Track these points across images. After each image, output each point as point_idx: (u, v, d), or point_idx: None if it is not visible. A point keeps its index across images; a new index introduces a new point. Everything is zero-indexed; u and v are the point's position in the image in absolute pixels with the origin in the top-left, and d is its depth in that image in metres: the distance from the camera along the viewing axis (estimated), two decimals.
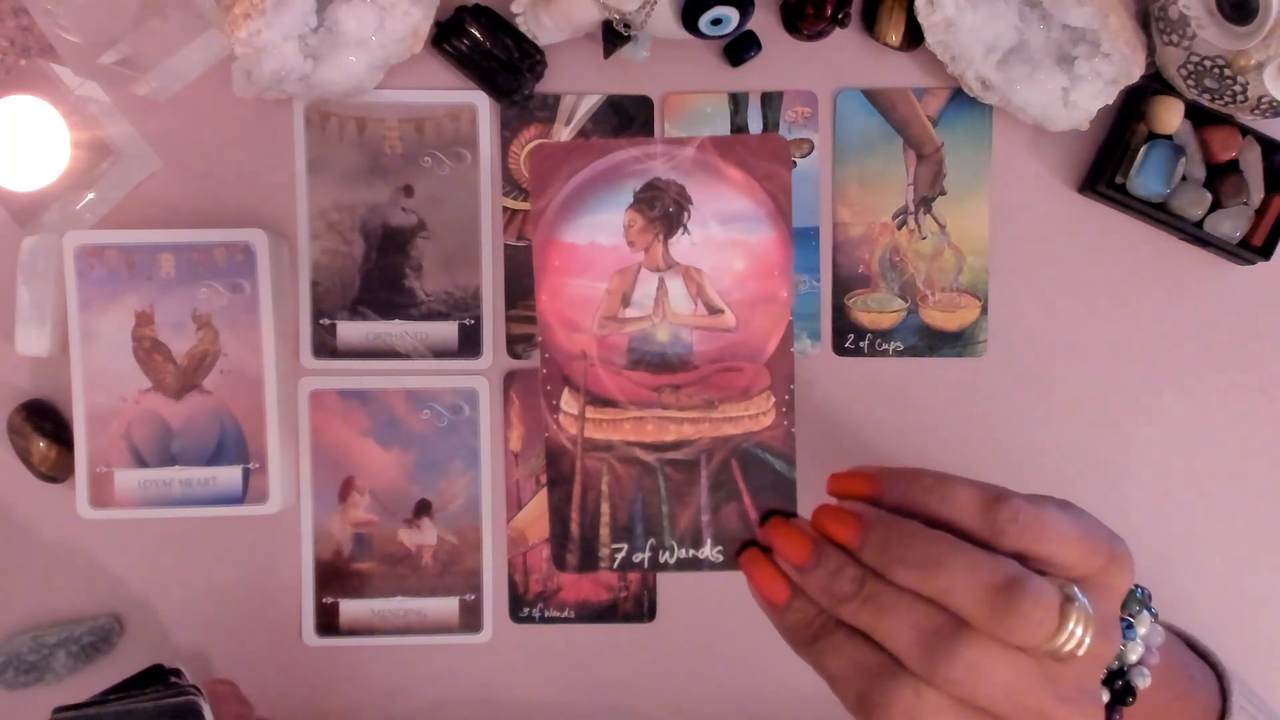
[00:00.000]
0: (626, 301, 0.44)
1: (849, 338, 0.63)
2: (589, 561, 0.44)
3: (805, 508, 0.42)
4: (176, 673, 0.49)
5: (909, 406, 0.63)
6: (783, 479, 0.44)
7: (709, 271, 0.44)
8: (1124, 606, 0.41)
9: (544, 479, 0.47)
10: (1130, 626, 0.41)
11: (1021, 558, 0.37)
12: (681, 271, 0.44)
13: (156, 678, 0.48)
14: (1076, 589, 0.36)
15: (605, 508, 0.44)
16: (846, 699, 0.38)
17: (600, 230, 0.44)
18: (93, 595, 0.62)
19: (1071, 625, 0.36)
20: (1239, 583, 0.64)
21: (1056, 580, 0.37)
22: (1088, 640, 0.36)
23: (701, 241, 0.44)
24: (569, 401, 0.44)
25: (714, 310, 0.44)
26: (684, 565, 0.44)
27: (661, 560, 0.44)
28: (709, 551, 0.44)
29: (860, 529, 0.38)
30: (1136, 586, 0.42)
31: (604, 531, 0.44)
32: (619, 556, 0.44)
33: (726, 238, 0.44)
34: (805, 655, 0.40)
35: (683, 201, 0.44)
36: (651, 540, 0.44)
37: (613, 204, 0.44)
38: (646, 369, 0.44)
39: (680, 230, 0.44)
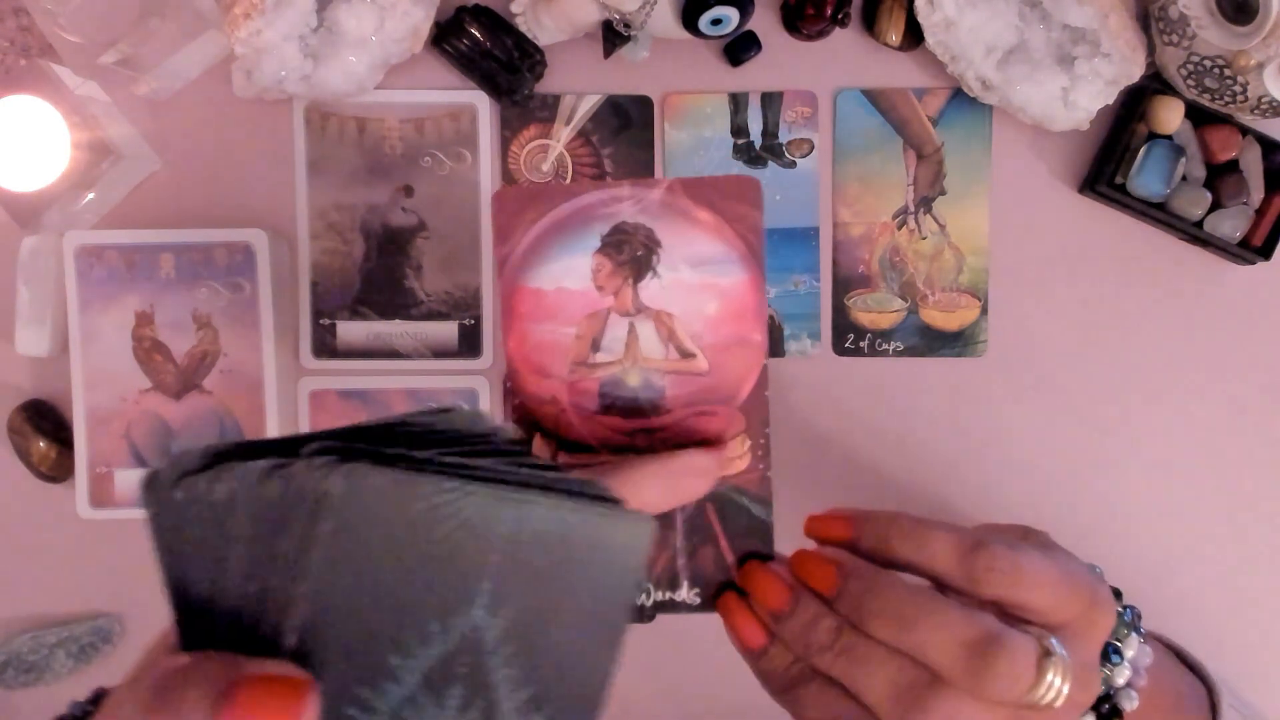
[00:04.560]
0: (596, 346, 0.43)
1: (849, 338, 0.63)
2: None
3: (788, 527, 0.42)
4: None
5: (909, 406, 0.63)
6: (759, 523, 0.43)
7: (680, 315, 0.42)
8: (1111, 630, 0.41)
9: None
10: (1117, 650, 0.41)
11: (1001, 604, 0.37)
12: (652, 315, 0.43)
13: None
14: (1054, 640, 0.36)
15: None
16: None
17: (567, 275, 0.42)
18: (93, 595, 0.62)
19: (1050, 677, 0.35)
20: (1239, 583, 0.64)
21: (1034, 632, 0.36)
22: (1066, 690, 0.35)
23: (672, 285, 0.42)
24: (540, 448, 0.43)
25: (686, 354, 0.42)
26: (661, 608, 0.43)
27: (637, 603, 0.43)
28: (685, 594, 0.43)
29: (837, 578, 0.37)
30: (1125, 608, 0.42)
31: None
32: None
33: (698, 281, 0.42)
34: (781, 702, 0.39)
35: (652, 245, 0.42)
36: None
37: (579, 248, 0.42)
38: (619, 414, 0.43)
39: (650, 274, 0.42)
